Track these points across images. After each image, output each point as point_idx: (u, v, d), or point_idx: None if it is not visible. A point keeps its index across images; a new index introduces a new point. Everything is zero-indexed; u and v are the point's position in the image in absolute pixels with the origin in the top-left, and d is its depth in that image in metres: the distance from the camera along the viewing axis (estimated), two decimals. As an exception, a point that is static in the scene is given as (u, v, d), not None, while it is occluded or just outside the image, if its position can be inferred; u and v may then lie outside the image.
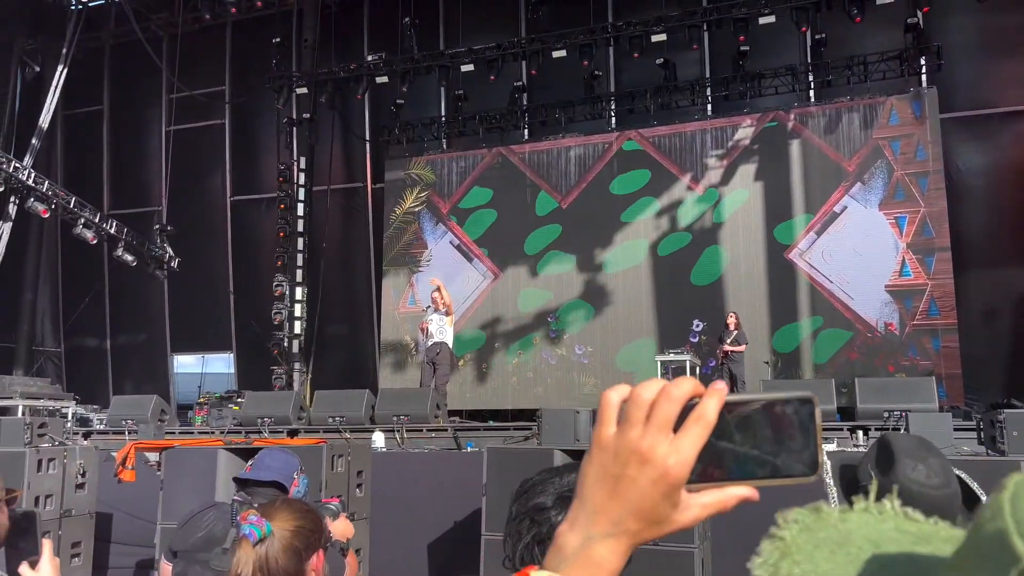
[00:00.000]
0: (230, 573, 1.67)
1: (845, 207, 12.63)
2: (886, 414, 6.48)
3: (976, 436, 5.12)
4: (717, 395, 0.60)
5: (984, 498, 1.36)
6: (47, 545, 1.77)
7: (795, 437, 0.60)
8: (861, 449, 6.74)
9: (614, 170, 14.01)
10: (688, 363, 11.41)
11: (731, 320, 11.07)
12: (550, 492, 1.32)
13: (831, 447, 5.70)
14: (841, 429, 7.05)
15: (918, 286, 12.04)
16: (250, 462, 2.59)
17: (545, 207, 14.26)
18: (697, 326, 12.99)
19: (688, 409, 0.61)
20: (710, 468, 0.60)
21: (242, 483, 2.56)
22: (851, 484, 1.27)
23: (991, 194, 12.64)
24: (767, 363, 12.23)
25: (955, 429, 5.80)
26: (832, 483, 1.31)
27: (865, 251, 12.38)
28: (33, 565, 1.74)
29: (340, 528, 2.76)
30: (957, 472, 1.40)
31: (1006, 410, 4.63)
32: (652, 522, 0.61)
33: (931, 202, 12.14)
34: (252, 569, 1.64)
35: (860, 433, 6.72)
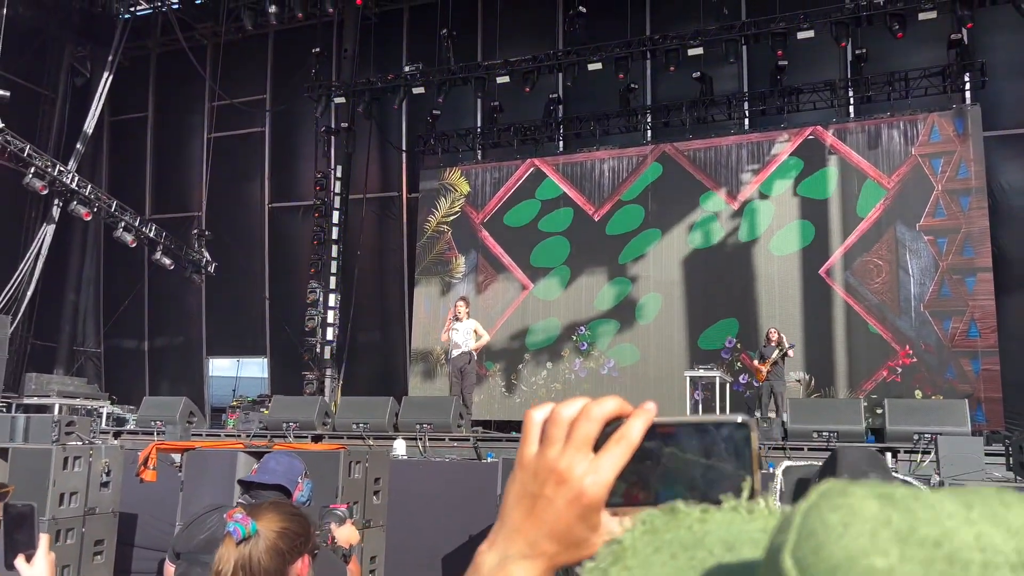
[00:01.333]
0: (213, 569, 1.68)
1: (883, 224, 12.40)
2: (916, 436, 6.32)
3: (1006, 463, 4.97)
4: (643, 416, 0.58)
5: None
6: (44, 539, 1.79)
7: (728, 461, 0.57)
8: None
9: (648, 183, 13.93)
10: (718, 380, 11.27)
11: (773, 335, 10.85)
12: None
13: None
14: (852, 447, 6.87)
15: (957, 306, 11.76)
16: (255, 465, 2.61)
17: (578, 219, 14.23)
18: (730, 342, 12.84)
19: (615, 429, 0.59)
20: (635, 490, 0.58)
21: (247, 486, 2.58)
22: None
23: (1036, 214, 12.31)
24: (799, 381, 12.03)
25: (989, 454, 5.63)
26: (778, 499, 1.27)
27: (903, 269, 12.13)
28: (29, 559, 1.76)
29: (345, 534, 2.77)
30: (914, 483, 1.37)
31: (1036, 436, 4.47)
32: (569, 544, 0.59)
33: (972, 221, 11.86)
34: (234, 567, 1.65)
35: (889, 455, 6.55)
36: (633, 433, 0.58)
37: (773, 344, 10.80)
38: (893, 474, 1.31)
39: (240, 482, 2.62)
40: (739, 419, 0.58)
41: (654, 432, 0.58)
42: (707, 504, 0.54)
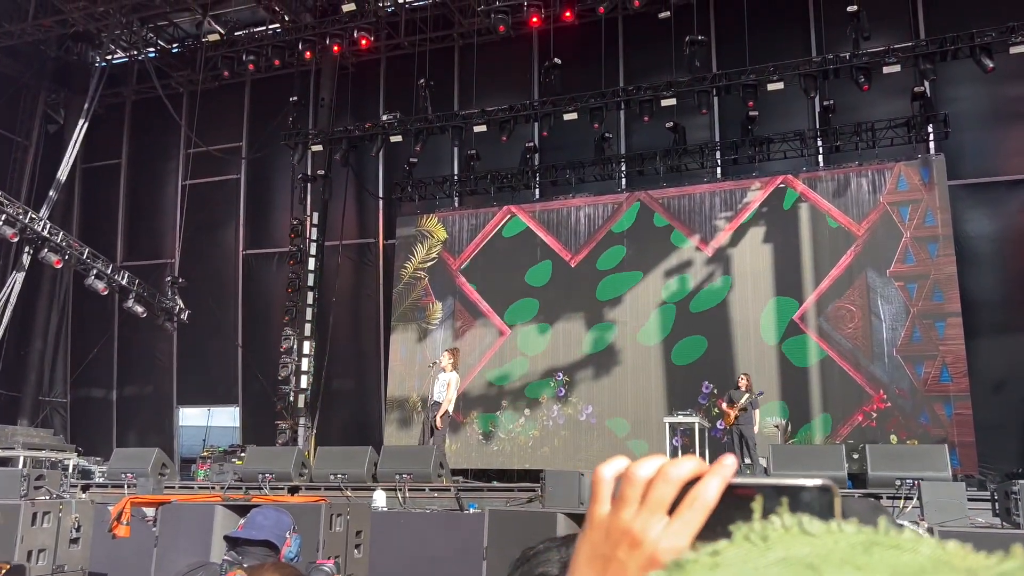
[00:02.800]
0: None
1: (854, 271, 12.60)
2: (898, 482, 6.33)
3: (991, 507, 4.98)
4: (719, 475, 0.56)
5: None
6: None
7: None
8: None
9: (623, 230, 14.07)
10: (697, 425, 11.28)
11: (743, 382, 10.90)
12: (555, 561, 1.23)
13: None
14: (853, 496, 6.87)
15: (929, 351, 11.92)
16: (242, 520, 2.54)
17: (555, 265, 14.29)
18: (707, 388, 12.87)
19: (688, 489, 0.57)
20: None
21: (233, 542, 2.51)
22: None
23: (1001, 260, 12.62)
24: (776, 427, 12.06)
25: (972, 499, 5.64)
26: None
27: (875, 315, 12.30)
28: None
29: (333, 591, 2.69)
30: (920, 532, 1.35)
31: (1021, 481, 4.50)
32: None
33: (940, 267, 12.10)
34: None
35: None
36: (708, 494, 0.55)
37: (743, 389, 10.85)
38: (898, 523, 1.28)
39: (226, 538, 2.55)
40: (822, 483, 0.55)
41: (731, 493, 0.55)
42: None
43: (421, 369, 14.08)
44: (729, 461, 0.55)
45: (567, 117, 13.88)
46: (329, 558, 3.42)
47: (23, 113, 17.96)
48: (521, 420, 13.85)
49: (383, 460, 8.21)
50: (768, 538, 0.45)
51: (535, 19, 13.60)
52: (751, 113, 13.10)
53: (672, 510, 0.56)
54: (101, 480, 9.61)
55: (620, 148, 14.92)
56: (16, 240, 13.19)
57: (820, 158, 13.60)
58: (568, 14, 13.59)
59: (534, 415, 13.79)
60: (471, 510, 6.41)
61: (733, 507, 0.55)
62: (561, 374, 13.76)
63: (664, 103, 13.34)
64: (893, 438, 11.67)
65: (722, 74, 13.32)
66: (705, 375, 12.91)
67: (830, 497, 0.54)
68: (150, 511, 5.15)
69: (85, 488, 8.45)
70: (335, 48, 14.57)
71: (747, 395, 10.67)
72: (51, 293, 17.74)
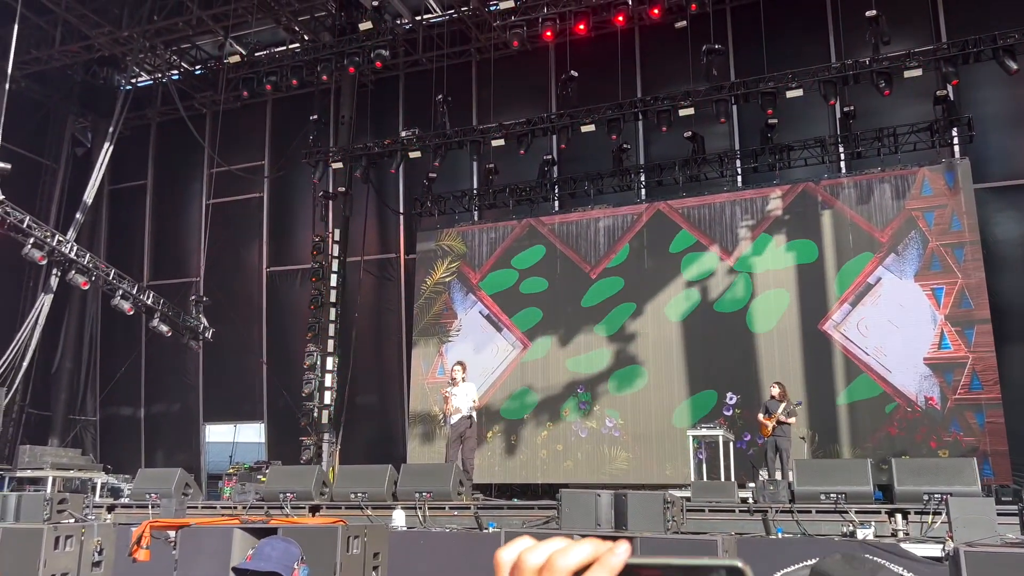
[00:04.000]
0: None
1: (879, 278, 12.42)
2: (926, 496, 6.20)
3: (1020, 524, 4.84)
4: (605, 568, 0.54)
5: None
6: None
7: None
8: (901, 532, 6.44)
9: (644, 241, 14.01)
10: (721, 438, 11.15)
11: (776, 391, 10.67)
12: None
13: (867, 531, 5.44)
14: (879, 512, 6.76)
15: (958, 359, 11.70)
16: (250, 551, 2.54)
17: (574, 278, 14.25)
18: (731, 399, 12.73)
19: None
20: None
21: (241, 573, 2.51)
22: None
23: (1031, 264, 12.36)
24: (803, 438, 11.88)
25: (1001, 514, 5.50)
26: None
27: (901, 323, 12.10)
28: None
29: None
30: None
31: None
32: None
33: (968, 273, 11.89)
34: None
35: (899, 517, 6.43)
36: None
37: (777, 398, 10.65)
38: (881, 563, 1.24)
39: (234, 569, 2.55)
40: (732, 564, 0.53)
41: (633, 574, 0.53)
42: None
43: (443, 383, 14.07)
44: (621, 549, 0.54)
45: (585, 129, 13.86)
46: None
47: (51, 137, 18.33)
48: (544, 433, 13.79)
49: (403, 478, 8.19)
50: None
51: (548, 34, 13.61)
52: (770, 121, 12.99)
53: None
54: (126, 501, 9.71)
55: (639, 159, 14.87)
56: (44, 262, 13.42)
57: (842, 164, 13.45)
58: (582, 26, 13.57)
59: (557, 428, 13.72)
60: (490, 529, 6.37)
61: None
62: (583, 387, 13.69)
63: (682, 112, 13.27)
64: (923, 448, 11.46)
65: (740, 82, 13.23)
66: (727, 385, 12.77)
67: None
68: (171, 534, 5.18)
69: (111, 508, 8.54)
70: (351, 69, 14.66)
71: (783, 404, 10.46)
72: (80, 313, 18.03)
